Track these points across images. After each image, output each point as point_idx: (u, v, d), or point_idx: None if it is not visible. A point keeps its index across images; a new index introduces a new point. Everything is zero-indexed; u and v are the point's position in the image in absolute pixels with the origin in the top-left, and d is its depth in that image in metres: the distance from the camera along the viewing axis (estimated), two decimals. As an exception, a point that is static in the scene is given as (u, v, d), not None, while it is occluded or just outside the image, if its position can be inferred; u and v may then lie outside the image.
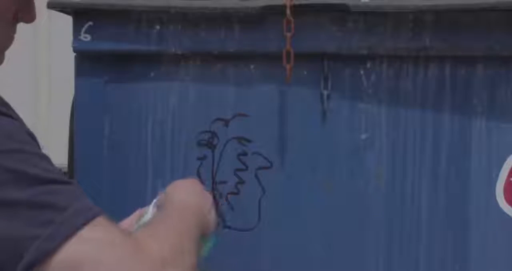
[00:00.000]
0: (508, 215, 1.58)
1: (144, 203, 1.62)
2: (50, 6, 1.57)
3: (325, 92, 1.59)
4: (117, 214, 1.61)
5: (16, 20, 1.18)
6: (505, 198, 1.57)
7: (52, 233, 0.88)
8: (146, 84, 1.62)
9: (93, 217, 0.90)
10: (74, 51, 1.60)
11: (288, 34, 1.50)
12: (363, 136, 1.59)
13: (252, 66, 1.61)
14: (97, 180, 1.61)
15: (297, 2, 1.51)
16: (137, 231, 1.00)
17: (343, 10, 1.53)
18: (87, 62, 1.61)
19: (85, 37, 1.58)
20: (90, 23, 1.58)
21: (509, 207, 1.58)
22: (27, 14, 1.18)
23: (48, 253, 0.87)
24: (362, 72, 1.59)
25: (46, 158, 0.96)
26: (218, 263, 1.60)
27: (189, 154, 1.62)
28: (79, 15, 1.57)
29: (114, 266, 0.88)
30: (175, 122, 1.62)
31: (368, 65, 1.59)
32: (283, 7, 1.50)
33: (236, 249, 1.60)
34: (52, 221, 0.88)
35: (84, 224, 0.89)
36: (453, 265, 1.59)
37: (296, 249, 1.60)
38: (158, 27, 1.59)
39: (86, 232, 0.88)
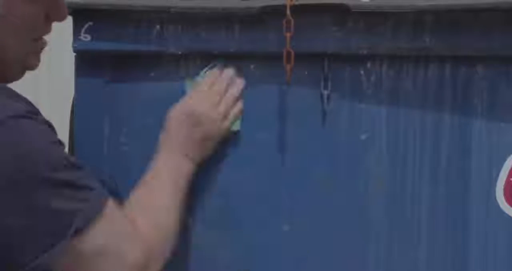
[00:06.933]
0: (508, 215, 1.58)
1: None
2: (50, 6, 1.56)
3: (325, 92, 1.59)
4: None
5: (48, 20, 1.27)
6: (505, 198, 1.57)
7: (90, 207, 1.20)
8: (146, 84, 1.62)
9: (106, 198, 1.24)
10: (74, 51, 1.60)
11: (288, 34, 1.50)
12: (363, 136, 1.59)
13: (252, 66, 1.61)
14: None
15: (297, 2, 1.51)
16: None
17: (343, 10, 1.53)
18: (87, 62, 1.61)
19: (85, 37, 1.58)
20: (90, 23, 1.58)
21: (509, 207, 1.58)
22: (57, 13, 1.28)
23: (89, 221, 1.19)
24: (362, 72, 1.59)
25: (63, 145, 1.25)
26: (218, 263, 1.60)
27: (189, 154, 1.62)
28: (79, 15, 1.57)
29: (118, 240, 1.25)
30: (175, 122, 1.62)
31: (368, 65, 1.59)
32: (283, 7, 1.50)
33: (236, 249, 1.60)
34: (88, 199, 1.20)
35: (104, 202, 1.23)
36: (453, 265, 1.59)
37: (295, 249, 1.60)
38: (158, 27, 1.59)
39: (105, 209, 1.23)
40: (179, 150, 1.50)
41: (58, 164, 1.19)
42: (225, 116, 1.56)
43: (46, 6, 1.28)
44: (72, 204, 1.18)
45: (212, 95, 1.55)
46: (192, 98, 1.55)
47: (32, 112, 1.20)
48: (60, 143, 1.24)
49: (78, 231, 1.18)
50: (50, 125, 1.24)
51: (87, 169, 1.25)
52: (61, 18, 1.32)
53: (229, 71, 1.58)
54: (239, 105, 1.58)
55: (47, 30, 1.31)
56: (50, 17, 1.30)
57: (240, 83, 1.58)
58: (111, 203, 1.26)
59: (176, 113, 1.53)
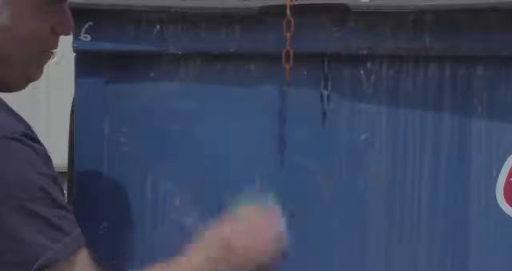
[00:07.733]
0: (508, 215, 1.58)
1: (144, 204, 1.63)
2: (50, 6, 1.56)
3: (325, 93, 1.59)
4: (117, 214, 1.62)
5: (54, 33, 1.26)
6: (505, 198, 1.57)
7: (60, 250, 1.16)
8: (146, 84, 1.62)
9: (80, 247, 1.20)
10: (74, 51, 1.60)
11: (288, 34, 1.50)
12: (363, 136, 1.59)
13: (252, 66, 1.61)
14: (97, 180, 1.61)
15: (297, 2, 1.51)
16: None
17: (343, 10, 1.53)
18: (87, 62, 1.61)
19: (85, 37, 1.58)
20: (90, 23, 1.58)
21: (509, 207, 1.58)
22: (63, 27, 1.28)
23: (56, 262, 1.15)
24: (362, 72, 1.59)
25: (57, 180, 1.21)
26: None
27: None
28: (79, 15, 1.57)
29: None
30: (175, 122, 1.62)
31: (368, 65, 1.59)
32: (283, 7, 1.50)
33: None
34: (59, 240, 1.16)
35: (76, 250, 1.19)
36: (453, 265, 1.59)
37: (295, 249, 1.60)
38: (158, 27, 1.59)
39: (76, 258, 1.19)
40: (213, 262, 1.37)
41: (38, 196, 1.16)
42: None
43: (52, 20, 1.28)
44: (42, 240, 1.15)
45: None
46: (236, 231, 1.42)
47: (28, 137, 1.18)
48: (53, 176, 1.20)
49: (42, 269, 1.15)
50: (46, 155, 1.21)
51: (71, 211, 1.22)
52: (66, 32, 1.33)
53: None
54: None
55: (54, 43, 1.31)
56: (56, 31, 1.30)
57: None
58: (84, 254, 1.21)
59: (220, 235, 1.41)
